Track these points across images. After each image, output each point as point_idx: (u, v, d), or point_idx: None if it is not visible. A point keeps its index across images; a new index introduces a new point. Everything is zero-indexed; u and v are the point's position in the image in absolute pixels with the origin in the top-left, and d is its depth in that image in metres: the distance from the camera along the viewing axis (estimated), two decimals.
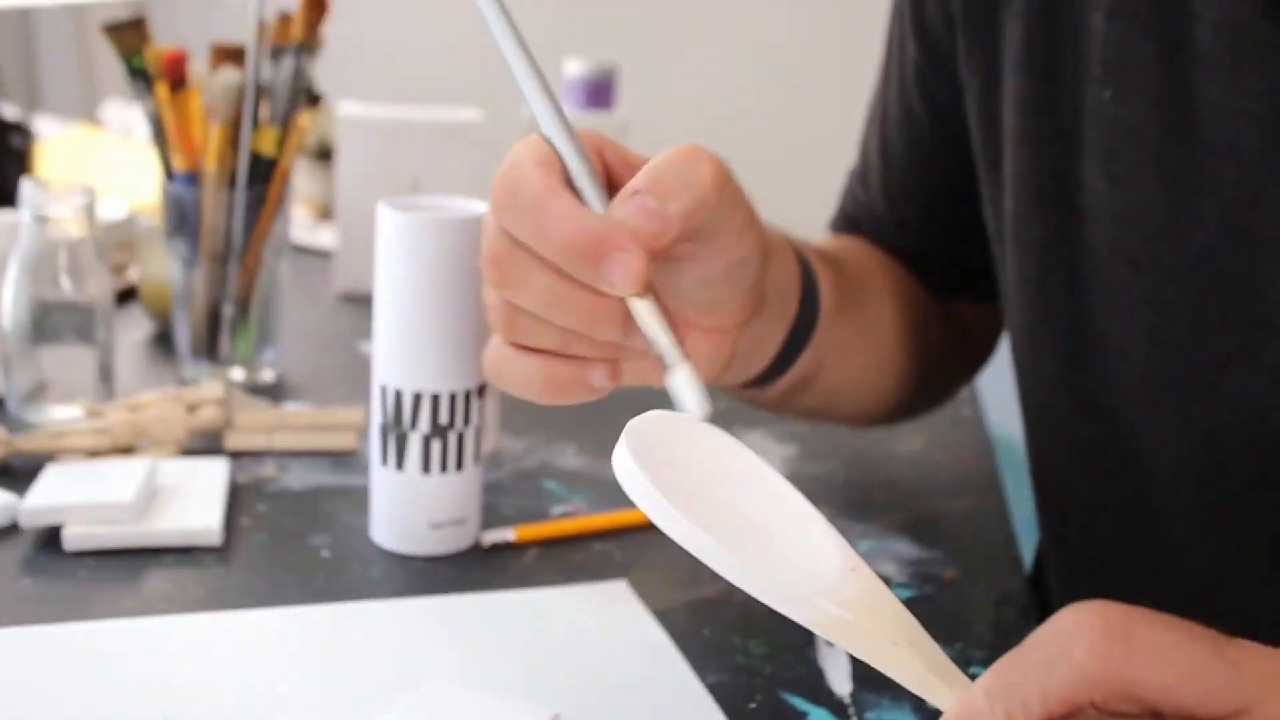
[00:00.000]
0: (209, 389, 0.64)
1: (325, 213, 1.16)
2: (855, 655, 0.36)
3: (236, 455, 0.62)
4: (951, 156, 0.60)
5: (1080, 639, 0.32)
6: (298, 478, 0.61)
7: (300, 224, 1.11)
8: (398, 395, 0.53)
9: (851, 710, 0.46)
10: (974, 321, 0.68)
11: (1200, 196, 0.48)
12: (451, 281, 0.52)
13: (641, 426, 0.39)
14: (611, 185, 0.43)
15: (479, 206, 0.53)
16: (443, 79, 1.76)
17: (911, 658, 0.35)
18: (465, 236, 0.52)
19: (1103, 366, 0.52)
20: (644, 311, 0.40)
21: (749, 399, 0.58)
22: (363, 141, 0.94)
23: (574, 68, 1.01)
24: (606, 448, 0.39)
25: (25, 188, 0.63)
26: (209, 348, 0.73)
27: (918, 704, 0.46)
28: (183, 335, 0.73)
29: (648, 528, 0.58)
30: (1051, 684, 0.32)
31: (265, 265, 0.73)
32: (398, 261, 0.52)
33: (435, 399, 0.53)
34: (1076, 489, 0.56)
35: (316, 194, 1.19)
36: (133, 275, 0.86)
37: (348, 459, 0.64)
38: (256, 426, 0.64)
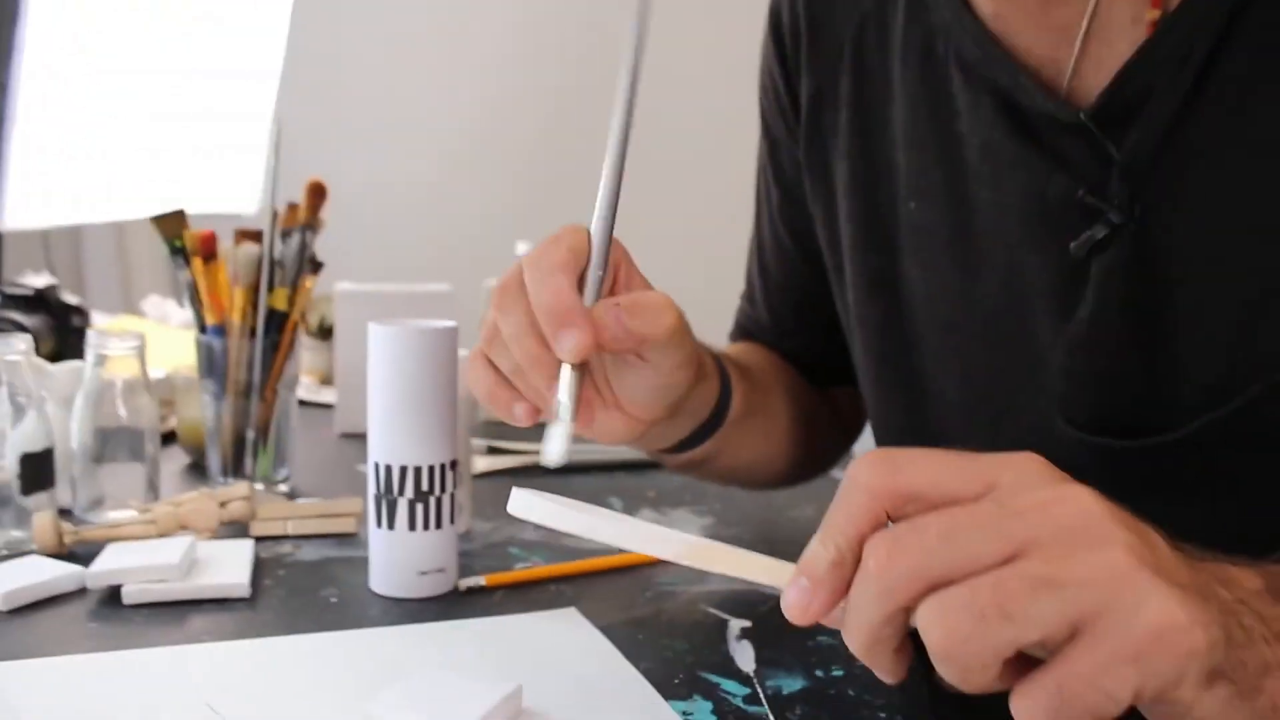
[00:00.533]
0: (237, 488, 0.78)
1: (326, 379, 1.33)
2: (716, 571, 0.45)
3: (260, 539, 0.76)
4: (812, 272, 0.78)
5: (860, 470, 0.40)
6: (310, 553, 0.75)
7: (307, 388, 1.28)
8: (388, 469, 0.68)
9: (755, 681, 0.59)
10: (846, 403, 0.84)
11: (983, 272, 0.64)
12: (426, 377, 0.67)
13: (524, 492, 0.49)
14: (612, 290, 0.57)
15: (447, 323, 0.69)
16: (420, 258, 1.99)
17: (756, 561, 0.45)
18: (436, 344, 0.67)
19: (931, 409, 0.68)
20: (566, 375, 0.53)
21: (652, 456, 0.74)
22: (356, 310, 1.12)
23: (523, 248, 1.21)
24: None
25: (89, 335, 0.79)
26: (235, 468, 0.88)
27: (809, 673, 0.59)
28: (214, 458, 0.88)
29: (593, 572, 0.72)
30: (851, 508, 0.39)
31: (280, 398, 0.89)
32: (384, 363, 0.68)
33: (417, 470, 0.68)
34: None
35: (319, 364, 1.36)
36: (171, 422, 1.02)
37: (350, 539, 0.78)
38: (276, 516, 0.78)
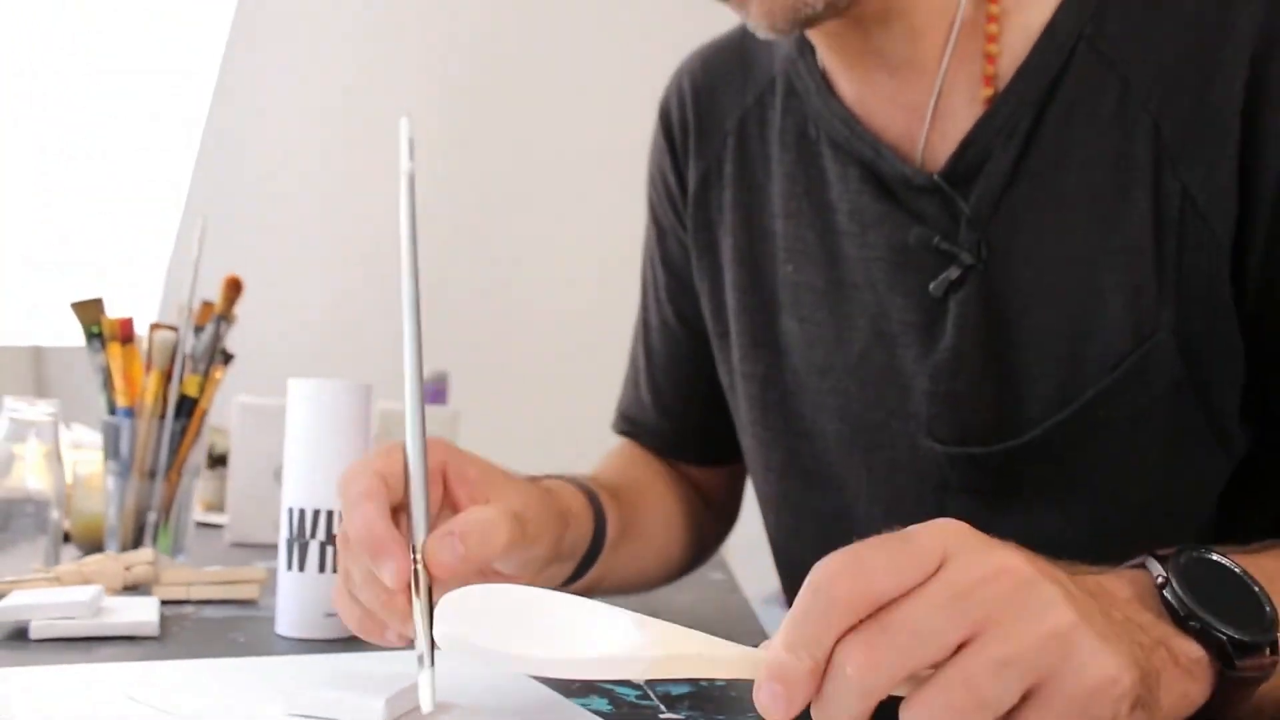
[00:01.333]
0: (141, 553, 0.80)
1: (214, 507, 1.34)
2: (670, 677, 0.45)
3: (164, 602, 0.78)
4: (695, 346, 0.87)
5: (829, 580, 0.41)
6: (214, 612, 0.77)
7: (198, 513, 1.29)
8: (301, 513, 0.72)
9: (645, 686, 0.63)
10: (718, 488, 0.92)
11: (854, 318, 0.74)
12: (339, 428, 0.72)
13: (450, 602, 0.49)
14: (447, 493, 0.60)
15: (360, 383, 0.75)
16: (327, 361, 2.01)
17: (713, 656, 0.45)
18: (349, 398, 0.73)
19: (810, 446, 0.76)
20: (417, 610, 0.54)
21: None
22: (253, 422, 1.15)
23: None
24: None
25: (4, 402, 0.82)
26: (135, 547, 0.90)
27: (694, 683, 0.64)
28: (113, 540, 0.90)
29: None
30: (826, 620, 0.41)
31: (183, 482, 0.92)
32: (301, 414, 0.73)
33: (329, 514, 0.72)
34: (804, 542, 0.78)
35: (208, 494, 1.37)
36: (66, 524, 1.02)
37: (252, 606, 0.80)
38: (179, 581, 0.80)
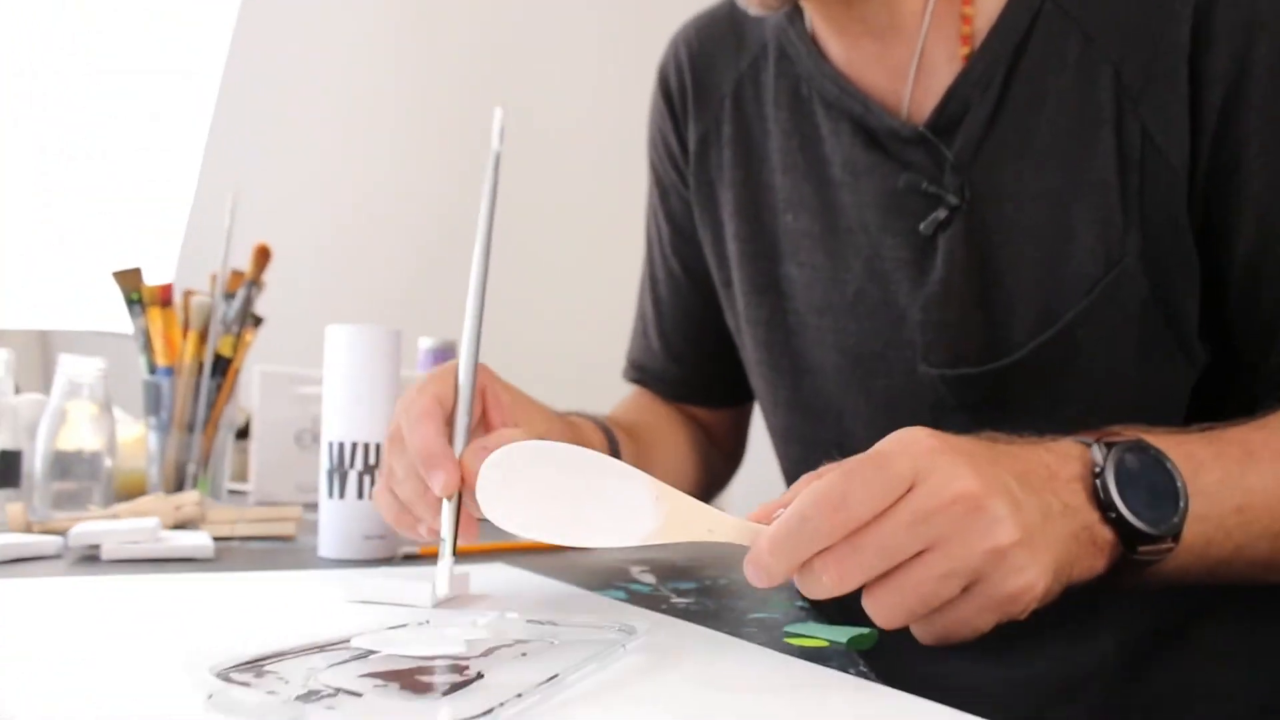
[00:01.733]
0: (188, 495, 0.87)
1: (240, 476, 1.41)
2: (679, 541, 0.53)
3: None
4: (700, 296, 0.94)
5: (813, 508, 0.49)
6: (257, 545, 0.84)
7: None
8: (340, 445, 0.79)
9: (656, 584, 0.71)
10: (724, 430, 0.99)
11: (849, 258, 0.81)
12: (373, 368, 0.80)
13: (491, 471, 0.54)
14: (484, 414, 0.68)
15: (391, 327, 0.82)
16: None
17: (715, 532, 0.53)
18: (381, 341, 0.80)
19: (813, 380, 0.83)
20: (445, 512, 0.62)
21: None
22: (273, 388, 1.22)
23: (425, 342, 1.36)
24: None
25: (60, 360, 0.89)
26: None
27: (700, 581, 0.71)
28: (156, 489, 0.97)
29: (518, 550, 0.84)
30: (808, 538, 0.49)
31: (219, 435, 0.99)
32: (339, 357, 0.80)
33: (366, 446, 0.79)
34: (811, 470, 0.85)
35: (234, 464, 1.44)
36: None
37: (290, 541, 0.87)
38: (224, 519, 0.87)
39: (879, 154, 0.79)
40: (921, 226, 0.76)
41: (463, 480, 0.62)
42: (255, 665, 0.43)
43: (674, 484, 0.92)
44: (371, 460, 0.79)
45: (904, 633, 0.52)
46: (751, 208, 0.87)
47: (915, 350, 0.78)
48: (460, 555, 0.81)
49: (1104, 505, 0.57)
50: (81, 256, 1.54)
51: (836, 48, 0.82)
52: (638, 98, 1.02)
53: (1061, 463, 0.58)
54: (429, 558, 0.80)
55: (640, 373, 1.01)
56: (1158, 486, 0.58)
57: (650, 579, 0.73)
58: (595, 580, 0.71)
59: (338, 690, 0.40)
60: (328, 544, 0.79)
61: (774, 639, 0.56)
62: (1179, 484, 0.59)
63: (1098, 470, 0.57)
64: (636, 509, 0.53)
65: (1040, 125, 0.74)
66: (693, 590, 0.69)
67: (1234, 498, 0.61)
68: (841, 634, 0.55)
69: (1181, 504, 0.58)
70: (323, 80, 2.62)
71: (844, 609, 0.56)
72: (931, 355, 0.78)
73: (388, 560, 0.79)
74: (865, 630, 0.54)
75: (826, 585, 0.50)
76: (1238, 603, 0.76)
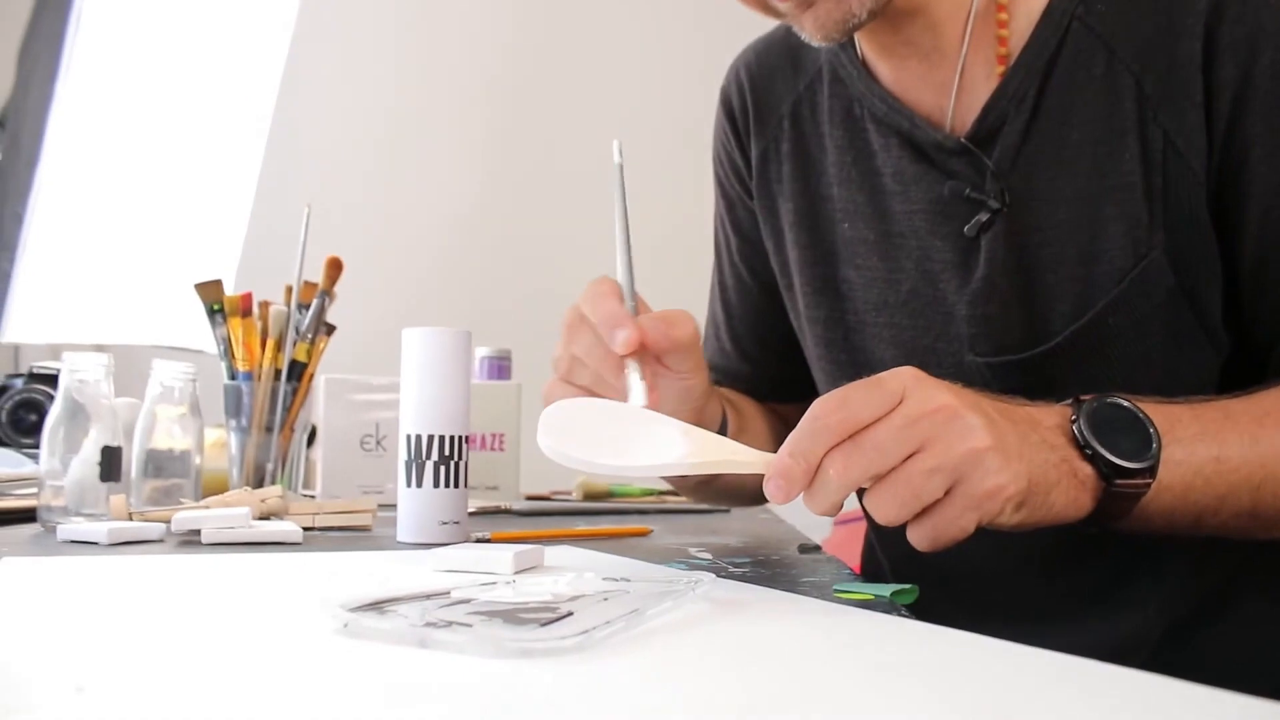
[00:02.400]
0: (271, 489, 0.94)
1: (307, 482, 1.48)
2: (708, 472, 0.62)
3: None
4: (768, 298, 1.01)
5: (822, 408, 0.59)
6: (338, 535, 0.91)
7: None
8: (418, 438, 0.85)
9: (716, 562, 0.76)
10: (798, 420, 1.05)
11: (901, 260, 0.88)
12: (446, 367, 0.86)
13: (550, 415, 0.65)
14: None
15: (460, 330, 0.89)
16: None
17: (735, 459, 0.63)
18: (454, 342, 0.87)
19: (871, 374, 0.88)
20: (630, 365, 0.72)
21: (672, 484, 0.93)
22: (337, 394, 1.29)
23: (482, 351, 1.42)
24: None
25: (153, 364, 0.96)
26: None
27: (754, 557, 0.77)
28: (237, 486, 1.04)
29: (582, 537, 0.89)
30: (817, 436, 0.58)
31: (295, 436, 1.06)
32: (415, 357, 0.86)
33: (441, 439, 0.85)
34: None
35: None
36: None
37: (366, 532, 0.93)
38: (306, 511, 0.94)
39: (926, 165, 0.86)
40: (966, 229, 0.83)
41: (642, 343, 0.71)
42: (377, 605, 0.49)
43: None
44: (446, 451, 0.85)
45: (954, 601, 0.58)
46: (810, 217, 0.94)
47: (963, 342, 0.85)
48: (528, 539, 0.87)
49: (1081, 445, 0.64)
50: (155, 272, 1.62)
51: (885, 69, 0.89)
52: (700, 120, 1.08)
53: (1044, 414, 0.66)
54: (500, 542, 0.86)
55: (714, 373, 1.07)
56: (1132, 429, 0.66)
57: (707, 555, 0.79)
58: (656, 558, 0.77)
59: (450, 623, 0.46)
60: (406, 529, 0.85)
61: (825, 596, 0.61)
62: (1151, 430, 0.66)
63: (1074, 418, 0.65)
64: (669, 442, 0.64)
65: (1071, 134, 0.80)
66: (747, 563, 0.75)
67: (1210, 449, 0.67)
68: (885, 589, 0.61)
69: (1154, 445, 0.65)
70: (364, 105, 2.72)
71: (894, 565, 0.61)
72: (978, 345, 0.84)
73: (463, 544, 0.85)
74: (907, 586, 0.60)
75: (833, 481, 0.58)
76: (1276, 573, 0.82)
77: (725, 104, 1.03)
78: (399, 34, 2.77)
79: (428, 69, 2.78)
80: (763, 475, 0.60)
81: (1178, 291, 0.78)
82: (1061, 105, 0.81)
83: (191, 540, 0.82)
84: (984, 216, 0.82)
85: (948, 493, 0.59)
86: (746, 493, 1.00)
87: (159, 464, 0.96)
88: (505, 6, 2.81)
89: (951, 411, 0.59)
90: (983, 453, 0.59)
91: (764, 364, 1.05)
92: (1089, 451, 0.64)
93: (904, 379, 0.61)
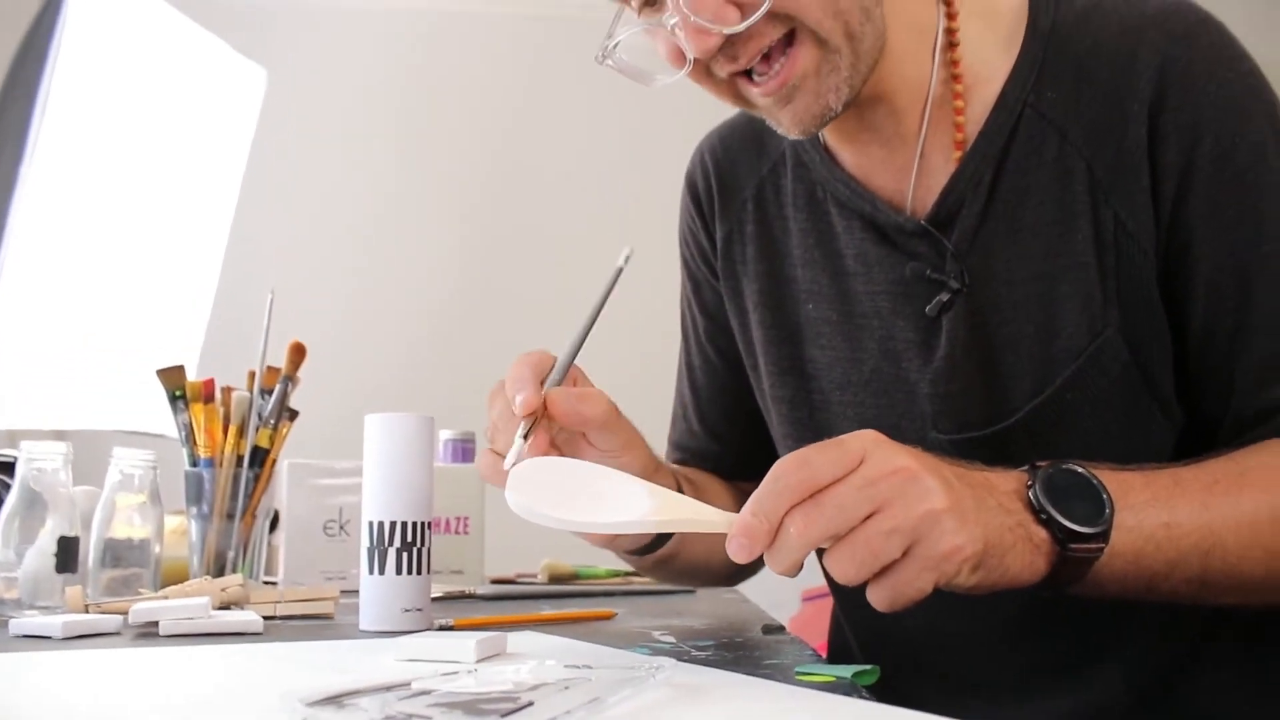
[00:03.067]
0: (232, 578, 0.93)
1: (269, 568, 1.47)
2: (667, 531, 0.66)
3: None
4: (734, 377, 1.02)
5: (785, 469, 0.61)
6: (300, 623, 0.90)
7: None
8: (380, 524, 0.85)
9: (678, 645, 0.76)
10: None
11: (864, 340, 0.89)
12: (410, 452, 0.86)
13: (519, 473, 0.69)
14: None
15: (423, 416, 0.89)
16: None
17: (698, 519, 0.65)
18: (417, 428, 0.87)
19: None
20: (520, 425, 0.73)
21: (632, 563, 0.93)
22: (300, 479, 1.29)
23: (446, 434, 1.43)
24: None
25: (114, 452, 0.96)
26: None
27: (717, 641, 0.77)
28: (197, 574, 1.03)
29: (547, 621, 0.89)
30: (780, 496, 0.60)
31: (257, 523, 1.05)
32: (377, 442, 0.86)
33: (404, 525, 0.85)
34: None
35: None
36: None
37: (329, 620, 0.92)
38: (267, 599, 0.93)
39: (888, 247, 0.88)
40: (928, 309, 0.85)
41: (544, 409, 0.73)
42: (336, 699, 0.49)
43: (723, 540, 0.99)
44: (409, 538, 0.85)
45: (923, 676, 0.59)
46: (775, 298, 0.95)
47: (927, 420, 0.86)
48: (492, 625, 0.87)
49: (1036, 510, 0.65)
50: (117, 357, 1.61)
51: (847, 154, 0.91)
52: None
53: (1001, 479, 0.67)
54: (464, 629, 0.85)
55: (683, 453, 1.08)
56: (1085, 496, 0.67)
57: (671, 639, 0.79)
58: (619, 643, 0.77)
59: (410, 715, 0.46)
60: (369, 617, 0.84)
61: (787, 678, 0.61)
62: (1105, 496, 0.67)
63: (1029, 484, 0.66)
64: (635, 498, 0.66)
65: (1026, 215, 0.83)
66: (710, 646, 0.75)
67: (1161, 515, 0.69)
68: (846, 670, 0.61)
69: (1107, 511, 0.66)
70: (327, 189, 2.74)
71: (861, 640, 0.61)
72: (941, 423, 0.85)
73: (425, 632, 0.84)
74: (868, 667, 0.60)
75: (794, 540, 0.60)
76: (1241, 637, 0.84)
77: (690, 187, 1.05)
78: (367, 120, 2.81)
79: (394, 157, 2.82)
80: (724, 539, 0.62)
81: (1133, 367, 0.80)
82: (1016, 188, 0.83)
83: (149, 632, 0.81)
84: (945, 297, 0.84)
85: (906, 553, 0.61)
86: (705, 571, 1.00)
87: (117, 553, 0.95)
88: (472, 94, 2.86)
89: (910, 473, 0.61)
90: (940, 514, 0.61)
91: (732, 442, 1.06)
92: (1044, 516, 0.65)
93: (865, 441, 0.63)
